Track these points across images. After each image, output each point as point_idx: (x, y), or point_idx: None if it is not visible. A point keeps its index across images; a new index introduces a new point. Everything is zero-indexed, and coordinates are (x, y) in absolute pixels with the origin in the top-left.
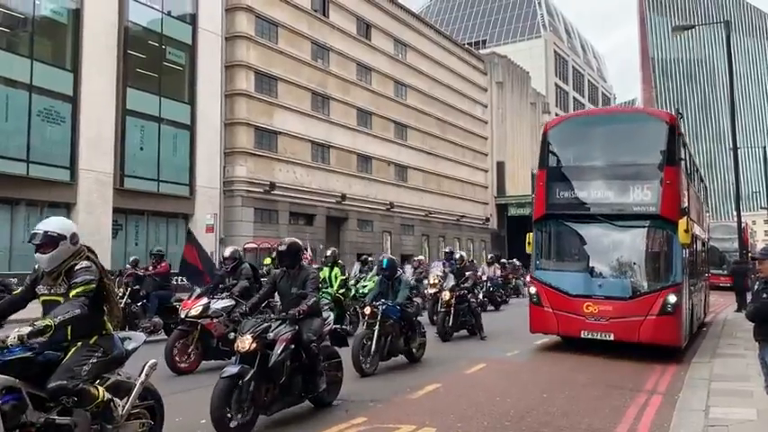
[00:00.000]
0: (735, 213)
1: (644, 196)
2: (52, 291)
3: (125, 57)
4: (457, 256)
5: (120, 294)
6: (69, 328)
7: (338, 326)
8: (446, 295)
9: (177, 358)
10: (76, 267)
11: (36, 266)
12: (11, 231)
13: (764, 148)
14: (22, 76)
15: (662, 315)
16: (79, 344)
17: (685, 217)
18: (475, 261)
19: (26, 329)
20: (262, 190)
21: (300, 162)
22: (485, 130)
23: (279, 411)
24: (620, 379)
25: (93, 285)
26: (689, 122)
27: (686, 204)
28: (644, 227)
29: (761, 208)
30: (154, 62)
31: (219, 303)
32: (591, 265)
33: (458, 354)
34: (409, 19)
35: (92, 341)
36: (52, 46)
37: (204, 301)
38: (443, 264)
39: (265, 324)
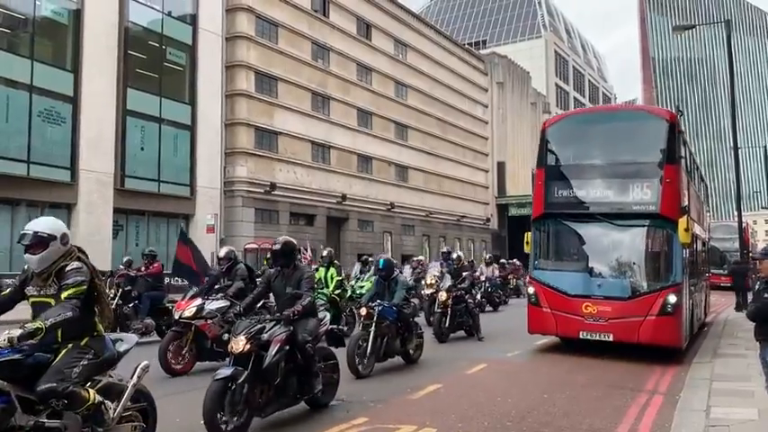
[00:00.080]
0: (735, 213)
1: (644, 195)
2: (42, 292)
3: (125, 57)
4: (454, 255)
5: (111, 295)
6: (60, 329)
7: (335, 326)
8: (443, 296)
9: (171, 359)
10: (67, 268)
11: (25, 267)
12: (11, 232)
13: (765, 147)
14: (23, 76)
15: (662, 315)
16: (70, 346)
17: (685, 216)
18: (475, 261)
19: (16, 332)
20: (262, 190)
21: (301, 162)
22: (485, 131)
23: (274, 413)
24: (621, 379)
25: (85, 287)
26: (689, 121)
27: (686, 203)
28: (644, 226)
29: (762, 207)
30: (154, 62)
31: (214, 304)
32: (590, 264)
33: (456, 354)
34: (409, 19)
35: (83, 343)
36: (52, 46)
37: (198, 301)
38: (440, 264)
39: (259, 325)
